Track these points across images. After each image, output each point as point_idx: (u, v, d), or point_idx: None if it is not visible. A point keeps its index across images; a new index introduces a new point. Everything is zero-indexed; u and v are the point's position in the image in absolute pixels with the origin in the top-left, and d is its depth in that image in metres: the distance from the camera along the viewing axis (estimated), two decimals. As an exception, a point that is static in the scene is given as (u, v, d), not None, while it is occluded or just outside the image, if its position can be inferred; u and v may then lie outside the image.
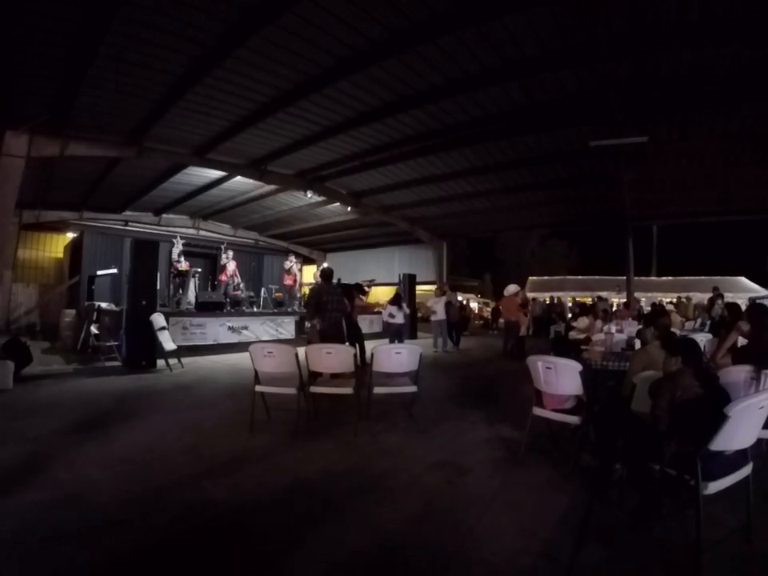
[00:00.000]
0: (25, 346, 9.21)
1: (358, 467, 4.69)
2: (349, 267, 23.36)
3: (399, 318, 13.02)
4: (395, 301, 13.26)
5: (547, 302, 23.10)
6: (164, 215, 19.98)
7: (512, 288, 13.88)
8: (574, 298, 25.80)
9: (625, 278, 19.88)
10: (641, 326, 5.60)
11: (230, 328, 13.80)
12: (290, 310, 16.14)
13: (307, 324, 12.61)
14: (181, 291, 14.94)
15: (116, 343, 10.87)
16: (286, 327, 15.28)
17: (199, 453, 5.00)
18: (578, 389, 4.66)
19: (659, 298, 23.34)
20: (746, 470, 3.25)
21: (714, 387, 3.47)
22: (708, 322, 12.62)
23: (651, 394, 3.60)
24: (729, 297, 15.42)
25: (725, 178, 13.02)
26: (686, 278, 29.01)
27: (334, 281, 8.80)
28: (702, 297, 22.56)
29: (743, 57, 7.10)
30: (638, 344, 6.09)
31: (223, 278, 16.34)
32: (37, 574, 2.80)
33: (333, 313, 7.49)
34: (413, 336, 17.52)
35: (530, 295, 23.14)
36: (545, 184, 14.45)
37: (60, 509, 3.57)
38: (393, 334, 12.85)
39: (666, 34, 6.68)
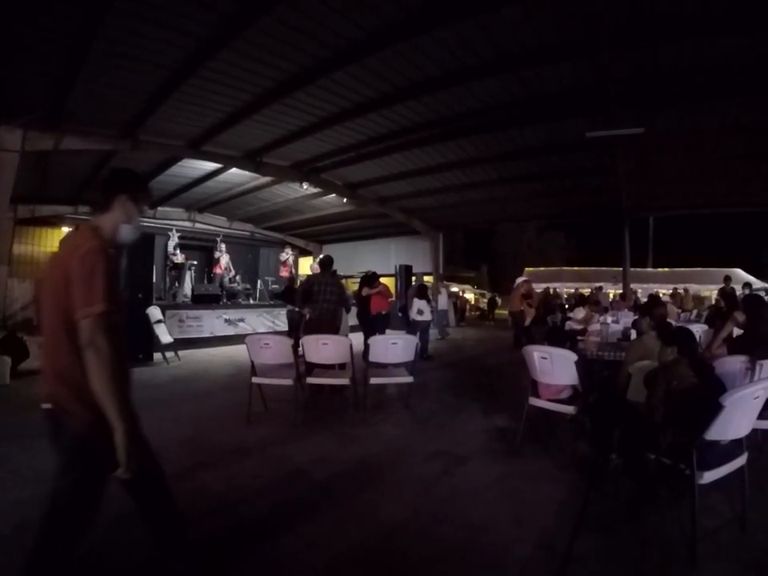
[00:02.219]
0: (21, 342, 9.19)
1: (355, 458, 4.71)
2: (345, 258, 23.20)
3: (428, 315, 11.51)
4: (422, 294, 11.70)
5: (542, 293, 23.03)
6: (159, 208, 19.83)
7: (518, 280, 14.03)
8: (576, 290, 25.82)
9: (621, 269, 19.90)
10: (637, 317, 5.61)
11: (226, 320, 13.81)
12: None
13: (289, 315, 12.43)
14: (177, 284, 14.95)
15: (113, 337, 10.84)
16: (283, 319, 15.26)
17: (197, 445, 5.01)
18: (573, 379, 4.68)
19: (655, 290, 23.37)
20: (741, 460, 3.27)
21: (710, 377, 3.48)
22: (704, 314, 12.65)
23: (647, 384, 3.62)
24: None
25: (721, 171, 13.00)
26: (682, 269, 29.09)
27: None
28: (698, 288, 22.64)
29: (741, 50, 7.07)
30: (633, 334, 6.12)
31: (218, 270, 16.34)
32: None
33: (324, 303, 7.27)
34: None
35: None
36: (541, 175, 14.40)
37: (58, 502, 3.57)
38: (421, 333, 10.67)
39: (664, 27, 6.64)
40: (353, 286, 13.37)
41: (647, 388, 3.59)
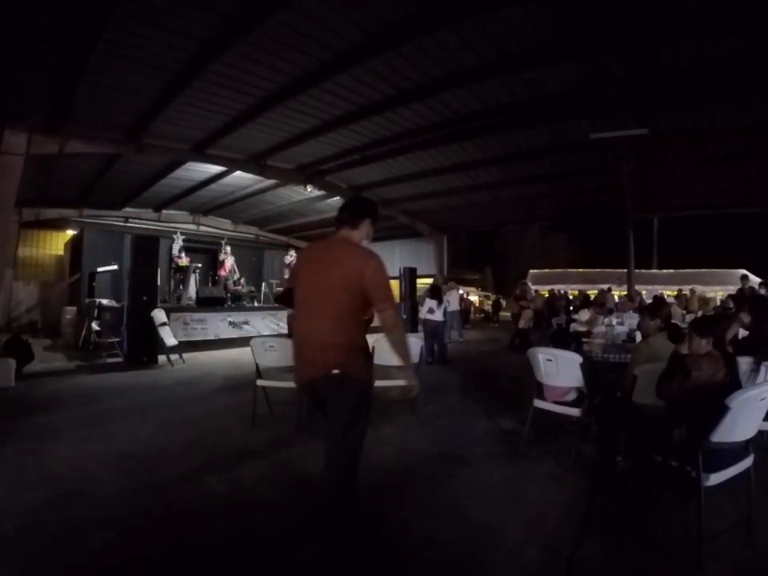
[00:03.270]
0: (26, 344, 9.23)
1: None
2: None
3: (439, 315, 11.33)
4: (435, 294, 11.49)
5: (546, 295, 23.00)
6: (164, 211, 19.93)
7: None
8: (579, 291, 25.82)
9: (626, 270, 19.84)
10: (642, 317, 5.57)
11: (230, 323, 13.80)
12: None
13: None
14: (181, 287, 14.94)
15: (117, 339, 10.88)
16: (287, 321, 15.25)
17: (201, 448, 5.02)
18: (578, 381, 4.66)
19: (660, 291, 23.32)
20: (747, 462, 3.25)
21: (736, 376, 3.44)
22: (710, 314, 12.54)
23: (688, 367, 3.43)
24: (730, 289, 15.39)
25: (724, 171, 12.97)
26: (687, 270, 29.02)
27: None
28: (703, 289, 22.55)
29: (742, 50, 7.07)
30: (638, 336, 6.09)
31: (222, 273, 16.34)
32: (41, 571, 2.82)
33: None
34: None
35: (532, 287, 23.12)
36: (545, 177, 14.39)
37: (63, 505, 3.58)
38: (431, 333, 11.04)
39: (664, 27, 6.64)
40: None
41: (686, 371, 3.43)
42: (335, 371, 2.81)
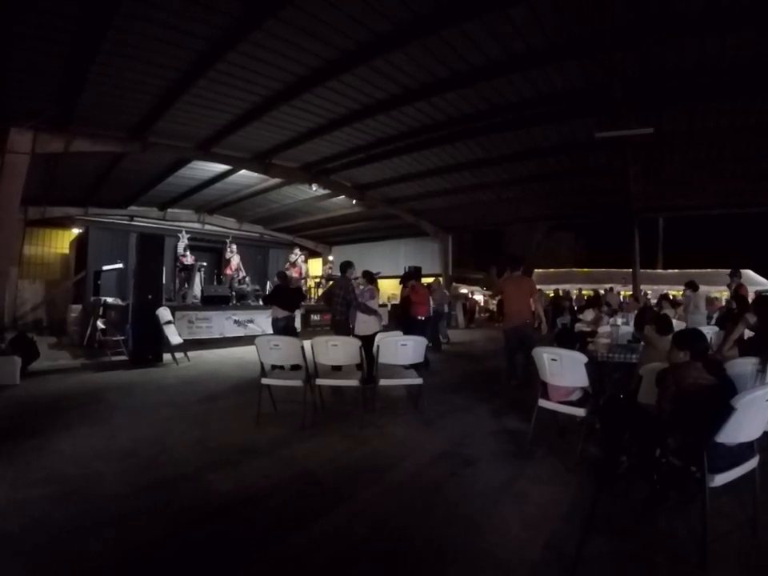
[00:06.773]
0: (31, 342, 9.25)
1: (364, 459, 4.71)
2: (354, 260, 22.91)
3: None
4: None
5: (551, 295, 22.94)
6: (169, 210, 19.99)
7: None
8: (580, 290, 25.72)
9: (631, 270, 19.75)
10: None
11: (235, 321, 13.83)
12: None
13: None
14: (186, 285, 14.98)
15: (122, 338, 10.90)
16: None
17: (206, 446, 5.03)
18: (583, 381, 4.65)
19: (665, 290, 23.22)
20: (753, 463, 3.24)
21: (724, 378, 3.45)
22: (715, 315, 12.51)
23: (657, 383, 3.60)
24: (735, 289, 15.25)
25: (731, 171, 12.92)
26: (693, 270, 28.86)
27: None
28: (709, 290, 22.44)
29: (749, 48, 7.03)
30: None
31: (228, 271, 16.35)
32: (44, 568, 2.82)
33: (337, 306, 8.04)
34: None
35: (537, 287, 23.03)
36: (550, 176, 14.34)
37: (68, 503, 3.59)
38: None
39: (670, 25, 6.62)
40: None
41: (658, 386, 3.57)
42: (528, 321, 7.87)
